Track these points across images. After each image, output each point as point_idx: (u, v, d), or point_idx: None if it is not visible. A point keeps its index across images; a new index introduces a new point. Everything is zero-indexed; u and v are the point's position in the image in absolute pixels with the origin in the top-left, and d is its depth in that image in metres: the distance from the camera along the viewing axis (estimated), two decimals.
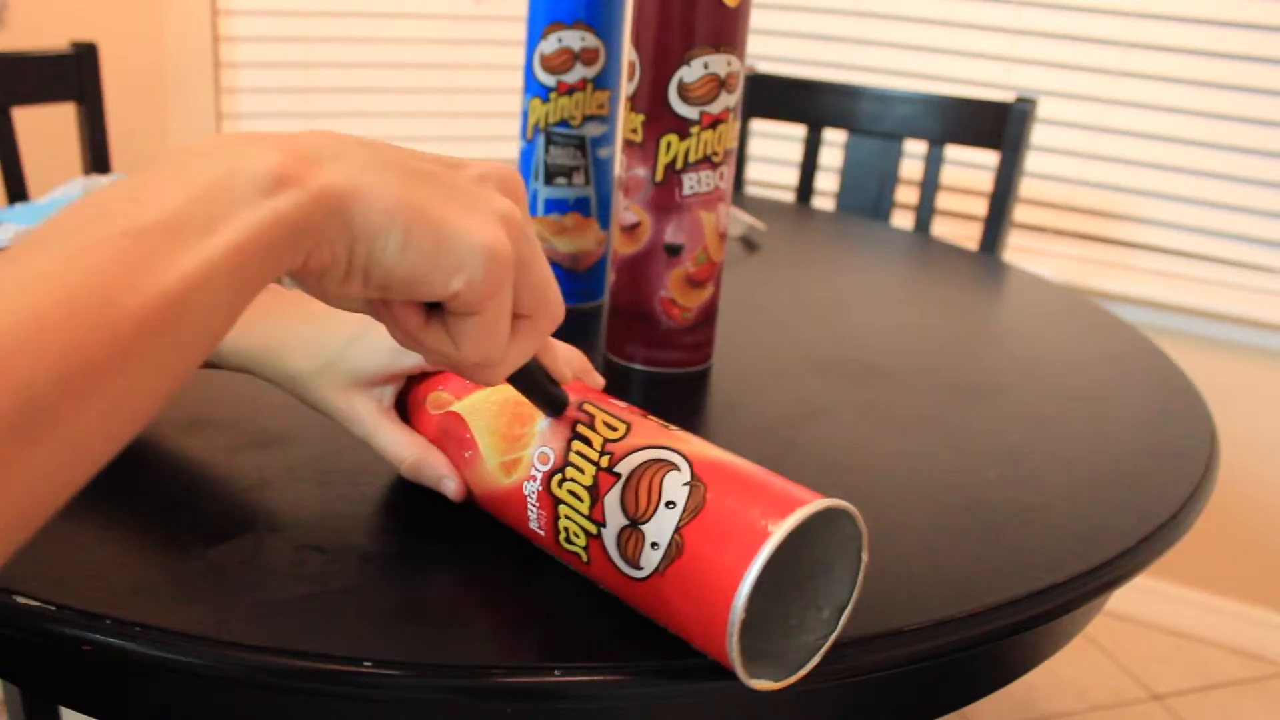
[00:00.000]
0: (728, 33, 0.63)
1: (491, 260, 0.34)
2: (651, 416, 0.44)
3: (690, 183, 0.65)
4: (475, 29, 1.89)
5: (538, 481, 0.44)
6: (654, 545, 0.39)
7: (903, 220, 1.50)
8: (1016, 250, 1.73)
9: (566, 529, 0.43)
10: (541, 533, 0.44)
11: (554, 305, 0.39)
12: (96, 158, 1.21)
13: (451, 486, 0.48)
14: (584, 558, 0.42)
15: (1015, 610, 0.46)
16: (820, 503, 0.38)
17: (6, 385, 0.25)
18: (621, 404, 0.45)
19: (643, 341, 0.69)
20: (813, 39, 1.81)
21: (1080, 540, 0.52)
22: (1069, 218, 1.73)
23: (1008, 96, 1.30)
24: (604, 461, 0.42)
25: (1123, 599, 1.79)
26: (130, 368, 0.27)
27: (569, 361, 0.50)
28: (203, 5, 1.77)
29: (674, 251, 0.67)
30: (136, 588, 0.42)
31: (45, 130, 1.32)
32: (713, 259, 0.68)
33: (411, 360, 0.49)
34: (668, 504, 0.39)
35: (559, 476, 0.43)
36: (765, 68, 1.46)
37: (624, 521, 0.40)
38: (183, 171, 0.30)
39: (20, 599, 0.41)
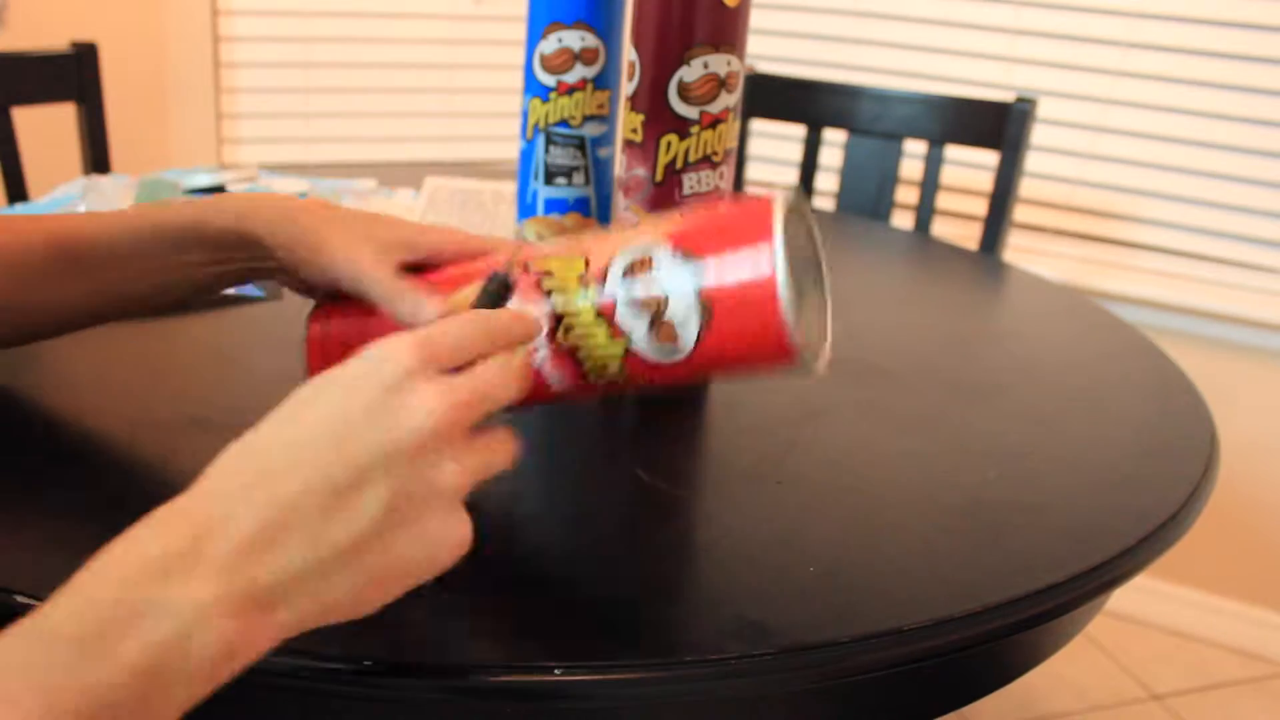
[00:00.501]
0: (728, 33, 0.63)
1: (463, 549, 0.37)
2: (585, 231, 0.47)
3: (690, 183, 0.65)
4: (475, 29, 1.89)
5: (543, 349, 0.45)
6: (683, 321, 0.42)
7: (903, 220, 1.50)
8: (1016, 250, 1.73)
9: (594, 367, 0.44)
10: (571, 385, 0.46)
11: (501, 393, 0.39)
12: (96, 158, 1.21)
13: (426, 307, 0.46)
14: (621, 376, 0.44)
15: (1015, 610, 0.46)
16: (786, 192, 0.42)
17: None
18: (549, 243, 0.47)
19: None
20: (813, 39, 1.81)
21: (1080, 540, 0.52)
22: (1069, 218, 1.73)
23: (1008, 96, 1.30)
24: (592, 294, 0.43)
25: (1123, 599, 1.79)
26: None
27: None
28: (203, 5, 1.77)
29: None
30: None
31: (45, 130, 1.32)
32: None
33: (427, 241, 0.49)
34: (673, 292, 0.42)
35: (560, 332, 0.44)
36: (765, 68, 1.46)
37: (645, 322, 0.43)
38: (131, 628, 0.28)
39: (20, 599, 0.41)
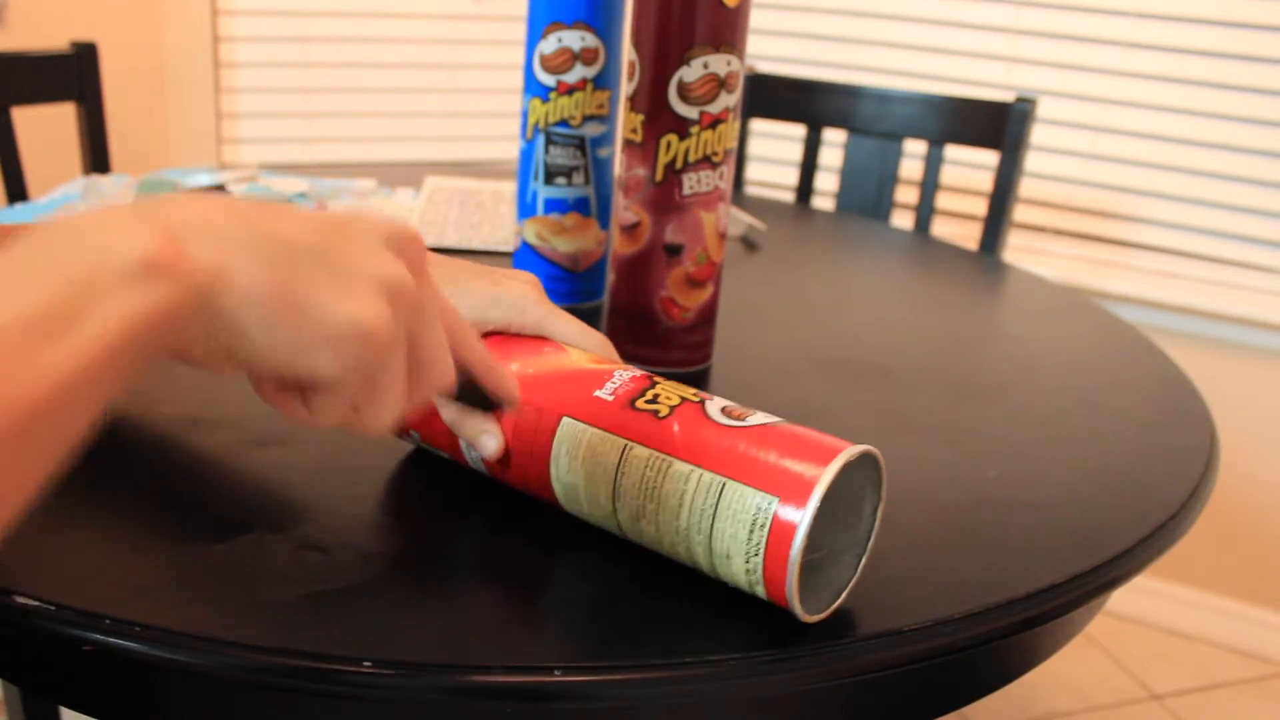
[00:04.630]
0: (728, 33, 0.63)
1: (365, 342, 0.33)
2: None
3: (690, 183, 0.65)
4: (475, 29, 1.89)
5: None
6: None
7: (903, 220, 1.50)
8: (1016, 250, 1.73)
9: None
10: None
11: (438, 375, 0.38)
12: (96, 158, 1.21)
13: (491, 448, 0.47)
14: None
15: (1015, 610, 0.46)
16: (854, 449, 0.41)
17: None
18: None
19: (643, 341, 0.69)
20: (813, 39, 1.81)
21: (1080, 540, 0.52)
22: (1069, 218, 1.73)
23: (1008, 96, 1.30)
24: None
25: (1123, 599, 1.79)
26: None
27: (602, 346, 0.51)
28: (203, 5, 1.77)
29: (674, 251, 0.67)
30: (136, 588, 0.42)
31: (45, 130, 1.32)
32: (713, 259, 0.68)
33: (500, 315, 0.50)
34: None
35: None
36: (765, 68, 1.46)
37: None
38: (48, 259, 0.28)
39: (20, 599, 0.41)
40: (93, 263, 0.28)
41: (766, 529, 0.40)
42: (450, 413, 0.48)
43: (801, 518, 0.39)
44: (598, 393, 0.46)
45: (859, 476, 0.43)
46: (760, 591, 0.41)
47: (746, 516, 0.41)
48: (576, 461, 0.45)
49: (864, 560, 0.45)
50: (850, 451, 0.41)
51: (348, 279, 0.33)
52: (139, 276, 0.28)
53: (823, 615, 0.43)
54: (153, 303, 0.29)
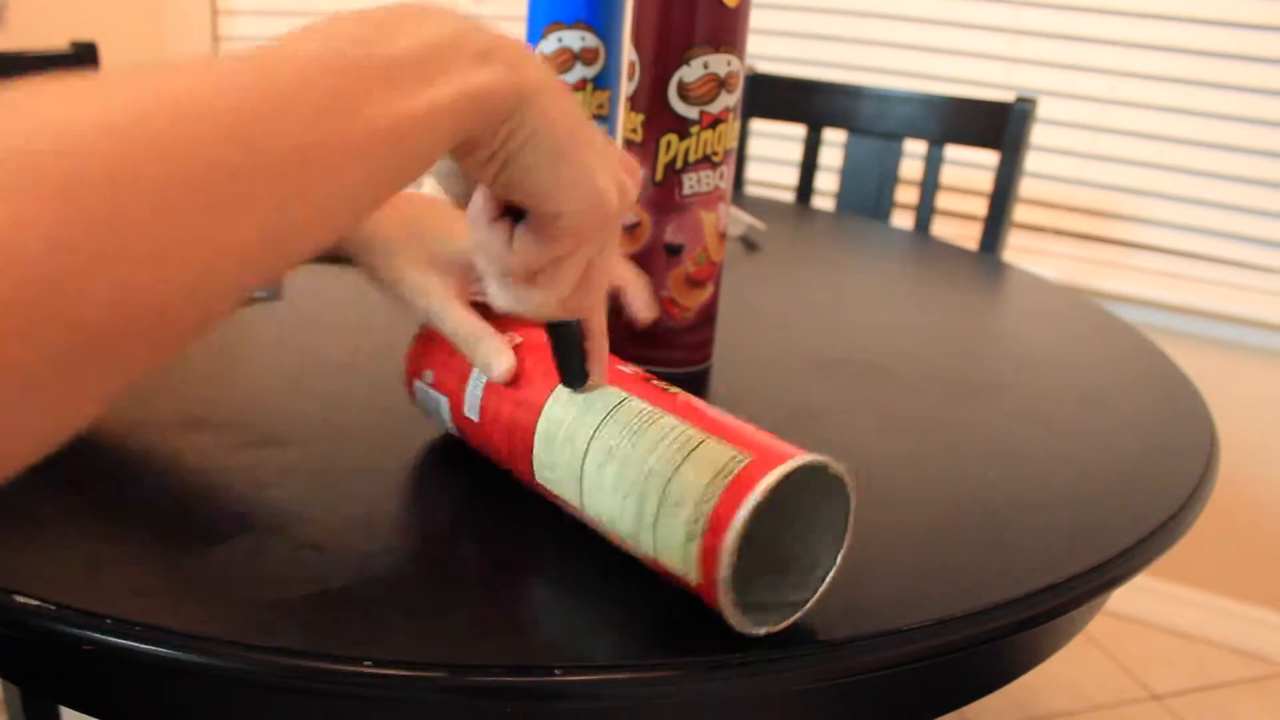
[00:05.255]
0: (728, 32, 0.63)
1: (601, 205, 0.38)
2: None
3: (690, 182, 0.65)
4: None
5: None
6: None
7: (903, 220, 1.50)
8: (1016, 250, 1.73)
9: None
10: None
11: (597, 289, 0.42)
12: None
13: (502, 365, 0.50)
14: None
15: (1015, 610, 0.46)
16: (838, 466, 0.40)
17: (255, 143, 0.26)
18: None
19: (643, 341, 0.69)
20: (813, 39, 1.81)
21: (1080, 540, 0.52)
22: (1069, 218, 1.73)
23: (1008, 96, 1.30)
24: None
25: (1123, 599, 1.79)
26: (350, 170, 0.29)
27: (634, 282, 0.53)
28: (203, 5, 1.77)
29: (674, 251, 0.67)
30: (136, 588, 0.42)
31: None
32: (713, 259, 0.68)
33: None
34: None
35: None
36: (765, 68, 1.46)
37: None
38: (420, 23, 0.33)
39: (20, 599, 0.41)
40: (455, 35, 0.33)
41: (729, 478, 0.40)
42: (471, 332, 0.51)
43: (767, 478, 0.39)
44: (620, 366, 0.48)
45: (829, 506, 0.43)
46: (692, 555, 0.40)
47: (715, 465, 0.41)
48: (578, 398, 0.46)
49: (799, 611, 0.43)
50: (835, 466, 0.41)
51: (606, 159, 0.39)
52: (486, 59, 0.33)
53: (746, 627, 0.41)
54: (492, 82, 0.33)
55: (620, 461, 0.43)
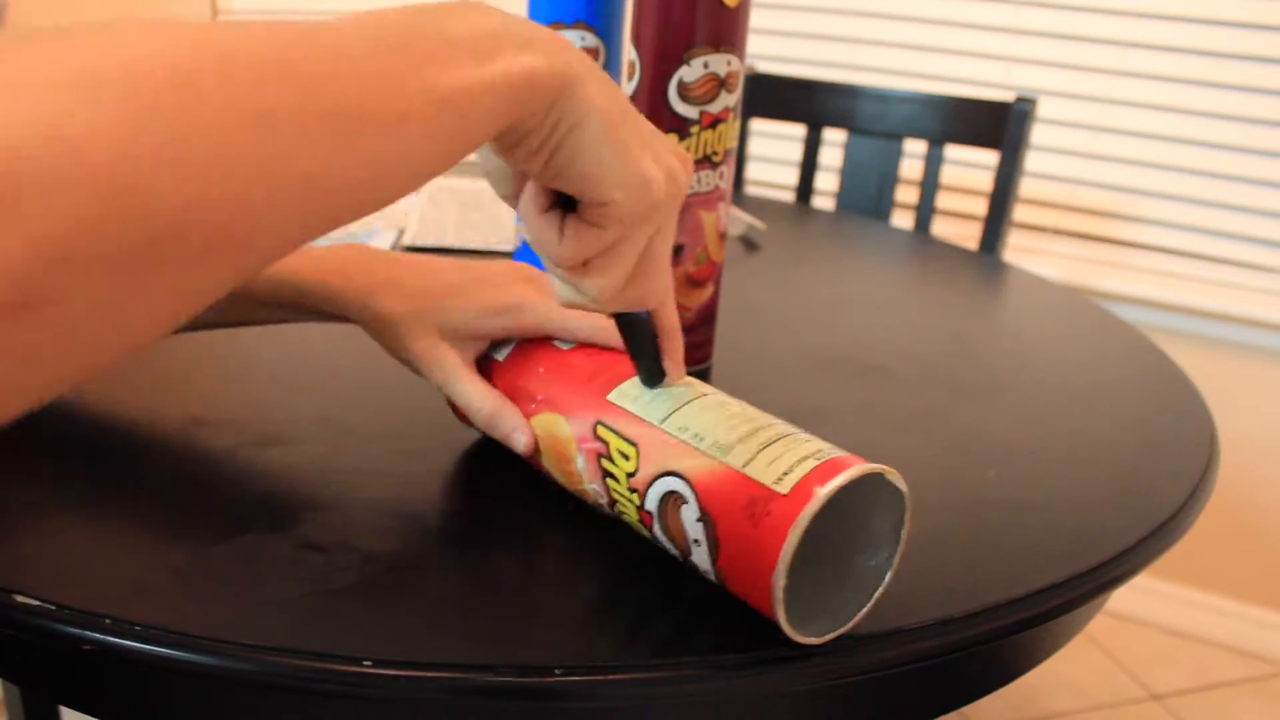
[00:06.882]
0: (728, 32, 0.63)
1: (648, 191, 0.38)
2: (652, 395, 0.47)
3: (690, 182, 0.65)
4: None
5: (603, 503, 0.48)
6: (700, 563, 0.43)
7: (903, 220, 1.50)
8: (1016, 250, 1.73)
9: (620, 514, 0.48)
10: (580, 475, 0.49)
11: (657, 276, 0.43)
12: None
13: (522, 440, 0.51)
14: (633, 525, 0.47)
15: (1015, 610, 0.46)
16: (834, 482, 0.39)
17: (315, 92, 0.27)
18: (630, 409, 0.47)
19: None
20: (813, 39, 1.81)
21: (1080, 540, 0.52)
22: (1069, 218, 1.73)
23: (1008, 96, 1.30)
24: (635, 499, 0.45)
25: (1123, 599, 1.79)
26: (403, 132, 0.30)
27: (671, 336, 0.53)
28: (203, 5, 1.77)
29: (674, 251, 0.67)
30: (136, 587, 0.42)
31: None
32: (713, 259, 0.68)
33: (501, 324, 0.53)
34: (694, 542, 0.42)
35: (611, 505, 0.47)
36: (765, 68, 1.46)
37: (675, 550, 0.44)
38: (466, 15, 0.34)
39: (20, 599, 0.41)
40: (502, 24, 0.34)
41: (812, 465, 0.40)
42: (490, 408, 0.52)
43: (864, 465, 0.40)
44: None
45: (887, 526, 0.43)
46: (802, 471, 0.40)
47: (810, 446, 0.41)
48: (648, 391, 0.47)
49: (889, 576, 0.43)
50: (900, 482, 0.41)
51: (655, 148, 0.39)
52: (533, 47, 0.35)
53: (795, 632, 0.41)
54: (539, 68, 0.34)
55: (694, 424, 0.44)
